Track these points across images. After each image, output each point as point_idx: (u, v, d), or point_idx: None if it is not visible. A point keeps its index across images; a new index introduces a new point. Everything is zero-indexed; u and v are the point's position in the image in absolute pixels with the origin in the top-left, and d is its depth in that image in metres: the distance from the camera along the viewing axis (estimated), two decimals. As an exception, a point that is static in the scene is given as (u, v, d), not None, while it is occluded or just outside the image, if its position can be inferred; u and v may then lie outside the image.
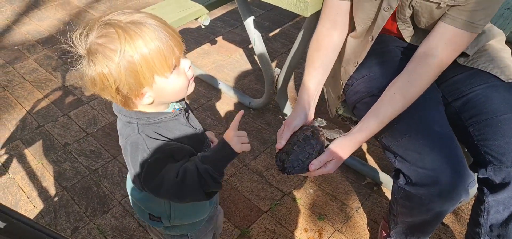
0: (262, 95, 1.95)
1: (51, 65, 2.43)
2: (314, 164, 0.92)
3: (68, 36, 0.75)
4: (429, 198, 0.93)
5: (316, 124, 1.04)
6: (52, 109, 2.10)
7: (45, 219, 1.55)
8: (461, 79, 1.05)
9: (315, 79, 1.08)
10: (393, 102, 0.94)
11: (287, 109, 1.82)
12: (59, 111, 2.08)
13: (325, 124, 1.05)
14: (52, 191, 1.66)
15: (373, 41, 1.04)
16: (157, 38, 0.72)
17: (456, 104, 1.04)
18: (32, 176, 1.73)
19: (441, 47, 0.92)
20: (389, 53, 1.10)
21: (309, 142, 0.95)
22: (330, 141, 0.98)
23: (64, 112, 2.06)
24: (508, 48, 1.10)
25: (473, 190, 0.96)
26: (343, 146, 0.95)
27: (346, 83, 1.15)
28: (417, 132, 0.94)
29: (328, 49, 1.10)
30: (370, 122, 0.95)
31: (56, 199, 1.62)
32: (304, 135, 0.97)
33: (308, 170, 0.93)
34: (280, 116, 1.94)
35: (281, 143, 0.98)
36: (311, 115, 1.06)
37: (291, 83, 2.13)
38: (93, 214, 1.55)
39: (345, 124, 1.27)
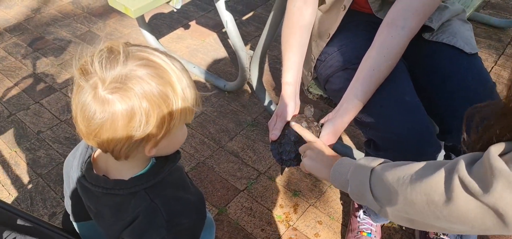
0: (236, 78, 1.98)
1: (20, 53, 2.37)
2: None
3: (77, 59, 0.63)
4: None
5: (307, 113, 1.05)
6: (23, 97, 2.06)
7: (21, 206, 1.54)
8: (427, 52, 1.09)
9: (295, 63, 1.09)
10: (371, 79, 0.96)
11: (261, 91, 1.86)
12: (31, 99, 2.04)
13: (313, 111, 1.06)
14: (27, 178, 1.65)
15: (346, 10, 1.06)
16: (190, 81, 0.66)
17: (422, 76, 1.09)
18: (5, 164, 1.71)
19: (410, 16, 0.94)
20: (359, 27, 1.14)
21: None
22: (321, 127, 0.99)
23: (36, 100, 2.03)
24: (469, 23, 1.16)
25: (440, 156, 1.02)
26: (334, 131, 0.97)
27: (318, 59, 1.18)
28: (389, 103, 0.98)
29: (303, 29, 1.11)
30: (353, 102, 0.97)
31: (31, 186, 1.61)
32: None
33: None
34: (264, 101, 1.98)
35: (275, 134, 1.00)
36: (298, 101, 1.08)
37: (264, 66, 2.16)
38: (70, 199, 1.55)
39: (317, 103, 1.31)
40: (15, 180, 1.64)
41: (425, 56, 1.10)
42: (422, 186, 0.61)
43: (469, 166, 0.58)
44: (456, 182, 0.57)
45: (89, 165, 0.73)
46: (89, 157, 0.75)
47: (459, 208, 0.58)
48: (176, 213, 0.71)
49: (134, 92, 0.59)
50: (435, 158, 0.98)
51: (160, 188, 0.71)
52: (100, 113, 0.60)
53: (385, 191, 0.68)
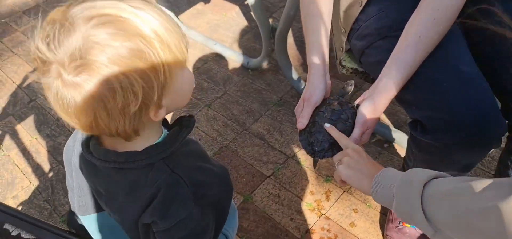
0: (260, 54, 1.84)
1: (40, 37, 2.33)
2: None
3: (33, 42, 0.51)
4: (455, 148, 0.82)
5: (347, 89, 0.91)
6: (43, 82, 2.01)
7: (42, 195, 1.50)
8: (484, 11, 0.92)
9: (319, 34, 0.94)
10: (418, 47, 0.80)
11: (287, 67, 1.72)
12: (51, 84, 2.00)
13: (352, 89, 0.92)
14: (48, 166, 1.60)
15: None
16: (161, 16, 0.54)
17: (482, 41, 0.91)
18: (26, 152, 1.67)
19: None
20: None
21: (339, 118, 0.84)
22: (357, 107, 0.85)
23: (56, 85, 1.98)
24: None
25: (504, 138, 0.86)
26: (373, 112, 0.83)
27: (351, 28, 1.02)
28: (441, 74, 0.82)
29: None
30: (395, 76, 0.82)
31: (52, 174, 1.57)
32: (332, 110, 0.85)
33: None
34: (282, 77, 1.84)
35: (302, 123, 0.87)
36: (328, 80, 0.93)
37: (290, 40, 2.01)
38: (90, 188, 1.50)
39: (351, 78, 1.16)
40: (36, 168, 1.60)
41: (482, 15, 0.92)
42: (497, 213, 0.50)
43: None
44: None
45: (95, 140, 0.64)
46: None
47: None
48: (201, 183, 0.63)
49: (100, 64, 0.49)
50: (499, 141, 0.83)
51: (180, 158, 0.62)
52: (81, 100, 0.51)
53: (445, 215, 0.58)
